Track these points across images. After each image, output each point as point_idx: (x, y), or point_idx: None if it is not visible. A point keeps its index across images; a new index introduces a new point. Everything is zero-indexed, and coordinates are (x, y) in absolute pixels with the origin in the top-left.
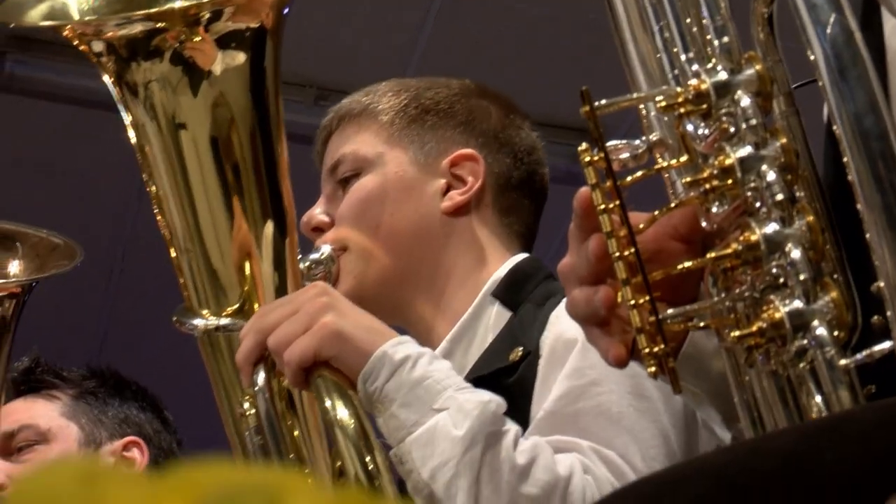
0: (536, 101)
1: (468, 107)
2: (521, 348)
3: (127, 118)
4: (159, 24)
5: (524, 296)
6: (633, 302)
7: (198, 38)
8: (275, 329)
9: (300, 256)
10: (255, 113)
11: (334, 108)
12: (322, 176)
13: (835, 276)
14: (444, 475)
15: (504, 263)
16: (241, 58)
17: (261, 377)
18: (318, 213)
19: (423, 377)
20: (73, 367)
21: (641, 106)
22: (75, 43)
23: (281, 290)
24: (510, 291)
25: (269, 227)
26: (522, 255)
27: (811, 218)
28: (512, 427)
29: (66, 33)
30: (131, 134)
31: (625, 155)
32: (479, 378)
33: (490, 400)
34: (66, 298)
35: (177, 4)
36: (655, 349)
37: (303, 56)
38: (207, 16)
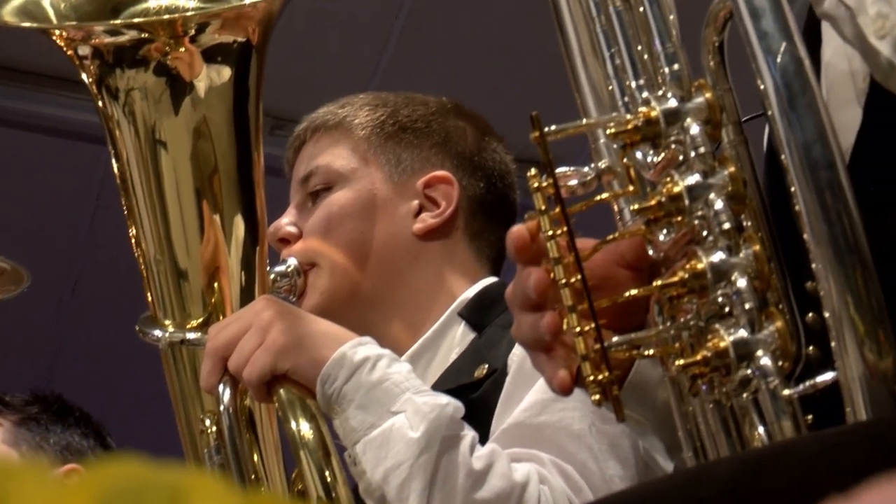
0: (501, 130)
1: (445, 127)
2: (486, 365)
3: (105, 124)
4: (146, 34)
5: (490, 318)
6: (578, 329)
7: (183, 50)
8: (229, 348)
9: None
10: (236, 131)
11: (309, 116)
12: (292, 185)
13: (780, 305)
14: (397, 477)
15: (473, 286)
16: (226, 73)
17: (226, 395)
18: (285, 223)
19: (381, 379)
20: (21, 392)
21: (591, 133)
22: (61, 46)
23: (248, 303)
24: (477, 313)
25: (241, 240)
26: (491, 279)
27: (757, 247)
28: (469, 432)
29: (54, 37)
30: (109, 142)
31: (573, 182)
32: (442, 392)
33: (448, 403)
34: (17, 323)
35: (165, 15)
36: (599, 377)
37: None
38: (194, 28)
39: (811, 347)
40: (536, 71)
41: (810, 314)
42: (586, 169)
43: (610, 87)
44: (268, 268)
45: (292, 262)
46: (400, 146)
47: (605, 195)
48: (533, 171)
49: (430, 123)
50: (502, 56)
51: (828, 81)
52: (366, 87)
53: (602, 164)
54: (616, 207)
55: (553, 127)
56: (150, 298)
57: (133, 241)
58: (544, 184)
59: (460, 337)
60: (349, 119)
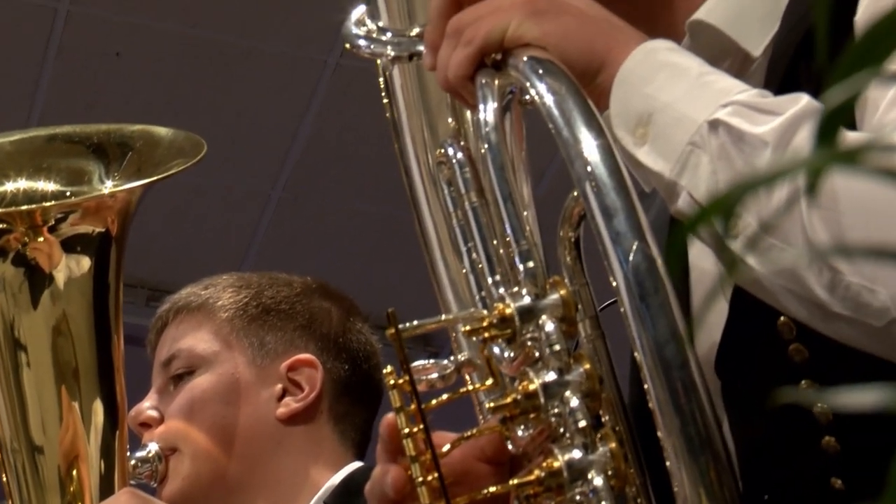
0: (371, 305)
1: (309, 308)
2: None
3: None
4: (5, 224)
5: None
6: None
7: (42, 240)
8: None
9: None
10: (95, 322)
11: (172, 297)
12: (154, 368)
13: (638, 500)
14: None
15: (338, 472)
16: (85, 263)
17: None
18: (146, 407)
19: None
20: None
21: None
22: None
23: (107, 491)
24: (342, 500)
25: (100, 426)
26: (357, 464)
27: (614, 445)
28: None
29: None
30: None
31: (433, 375)
32: None
33: None
34: None
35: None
36: None
37: (134, 256)
38: (54, 218)
39: None
40: (412, 248)
41: None
42: (445, 362)
43: (467, 278)
44: (128, 453)
45: (153, 447)
46: (263, 329)
47: (463, 390)
48: (389, 368)
49: (295, 305)
50: (379, 232)
51: (694, 276)
52: (243, 258)
53: (461, 357)
54: (477, 400)
55: (415, 322)
56: (6, 488)
57: None
58: (400, 381)
59: None
60: (212, 301)
